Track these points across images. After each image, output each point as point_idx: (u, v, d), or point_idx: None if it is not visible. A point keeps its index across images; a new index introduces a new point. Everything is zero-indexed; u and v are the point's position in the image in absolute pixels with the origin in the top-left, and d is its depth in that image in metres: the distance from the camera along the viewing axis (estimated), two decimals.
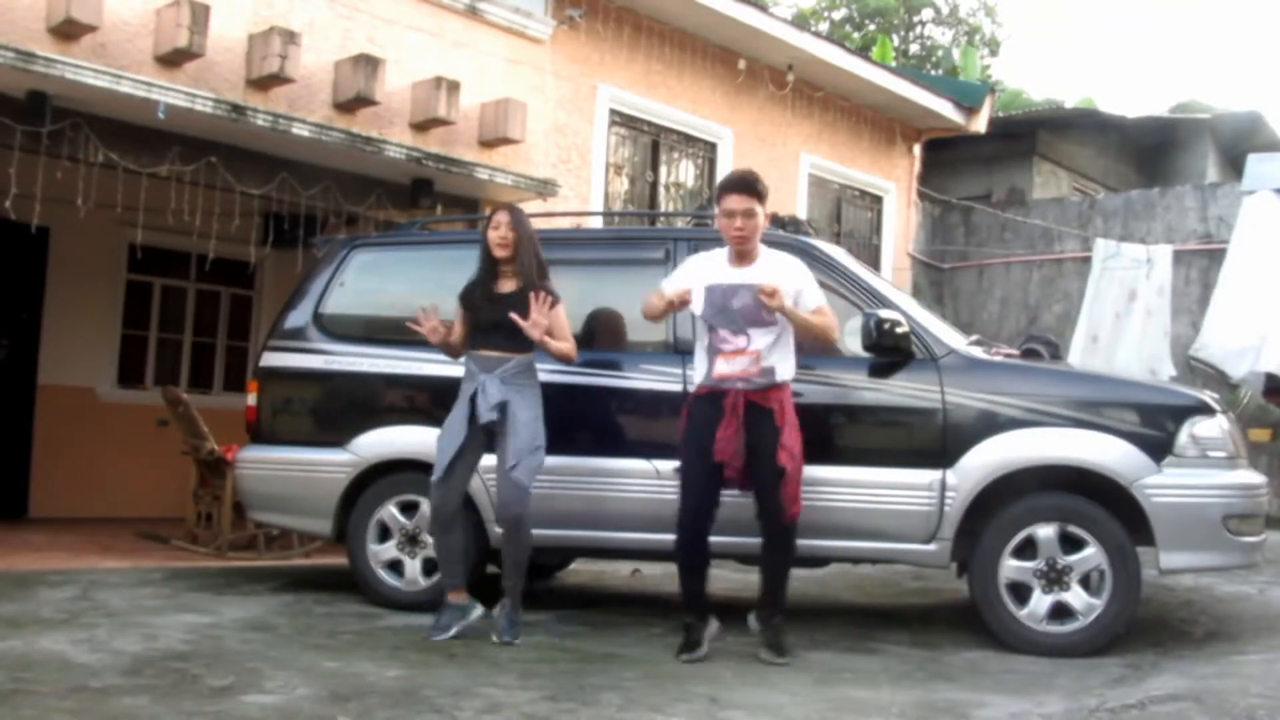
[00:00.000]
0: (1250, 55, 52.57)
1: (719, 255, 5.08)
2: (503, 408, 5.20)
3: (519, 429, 5.20)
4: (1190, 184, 13.87)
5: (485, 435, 5.31)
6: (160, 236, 8.44)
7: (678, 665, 4.81)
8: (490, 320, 5.31)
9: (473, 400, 5.25)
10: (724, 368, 4.88)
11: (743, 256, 4.98)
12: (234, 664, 4.55)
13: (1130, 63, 50.77)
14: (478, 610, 5.28)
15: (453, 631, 5.18)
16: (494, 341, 5.29)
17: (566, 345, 5.33)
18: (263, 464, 6.35)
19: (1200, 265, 12.08)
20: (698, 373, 5.05)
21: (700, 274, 5.03)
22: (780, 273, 4.95)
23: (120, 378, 10.37)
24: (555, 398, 5.82)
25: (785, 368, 4.97)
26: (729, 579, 7.34)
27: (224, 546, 7.82)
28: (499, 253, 5.33)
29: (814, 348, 5.61)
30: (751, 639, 5.21)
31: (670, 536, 5.41)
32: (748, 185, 4.93)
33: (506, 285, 5.35)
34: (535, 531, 5.70)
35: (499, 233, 5.33)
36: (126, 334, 10.43)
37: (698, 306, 4.99)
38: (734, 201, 4.91)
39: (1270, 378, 9.86)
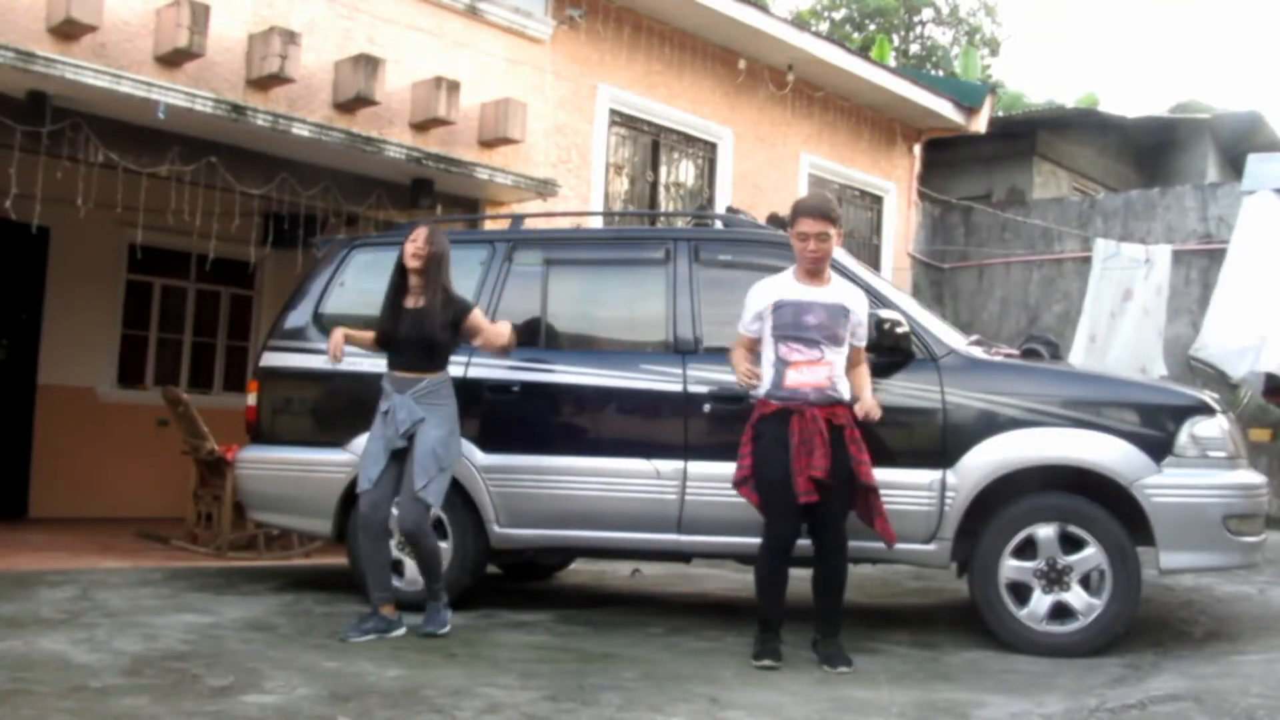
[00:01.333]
0: (1250, 55, 52.57)
1: (785, 275, 5.08)
2: (411, 430, 5.28)
3: (428, 448, 5.26)
4: (1190, 184, 13.87)
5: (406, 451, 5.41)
6: (160, 236, 8.45)
7: (678, 665, 4.81)
8: (396, 335, 5.41)
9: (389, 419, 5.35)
10: (797, 377, 4.87)
11: (814, 276, 5.01)
12: (234, 664, 4.55)
13: (1131, 63, 50.78)
14: (401, 630, 5.27)
15: (370, 637, 5.15)
16: (406, 361, 5.39)
17: (495, 334, 5.47)
18: (263, 464, 6.35)
19: (1200, 265, 12.08)
20: (764, 387, 4.98)
21: (765, 296, 5.03)
22: (850, 299, 5.04)
23: (120, 378, 10.37)
24: (556, 398, 5.86)
25: (845, 385, 4.99)
26: (729, 579, 7.35)
27: (224, 546, 7.82)
28: (411, 263, 5.42)
29: None
30: (752, 639, 5.21)
31: (670, 536, 5.42)
32: (823, 210, 4.99)
33: (411, 300, 5.43)
34: (537, 531, 5.75)
35: (415, 245, 5.42)
36: (126, 334, 10.43)
37: (766, 328, 4.99)
38: (809, 225, 4.95)
39: (1270, 378, 9.83)
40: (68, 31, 6.81)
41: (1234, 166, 16.71)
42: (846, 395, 4.95)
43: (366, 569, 5.38)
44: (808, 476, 4.75)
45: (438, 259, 5.42)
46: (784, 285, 5.03)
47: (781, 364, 4.90)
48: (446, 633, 5.24)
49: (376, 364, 5.78)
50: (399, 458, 5.33)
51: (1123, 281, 11.53)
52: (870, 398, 5.01)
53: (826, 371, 4.87)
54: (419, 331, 5.34)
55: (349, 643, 5.07)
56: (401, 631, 5.26)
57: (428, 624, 5.28)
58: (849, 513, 4.97)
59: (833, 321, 4.92)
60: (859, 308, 5.07)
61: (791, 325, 4.91)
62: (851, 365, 5.04)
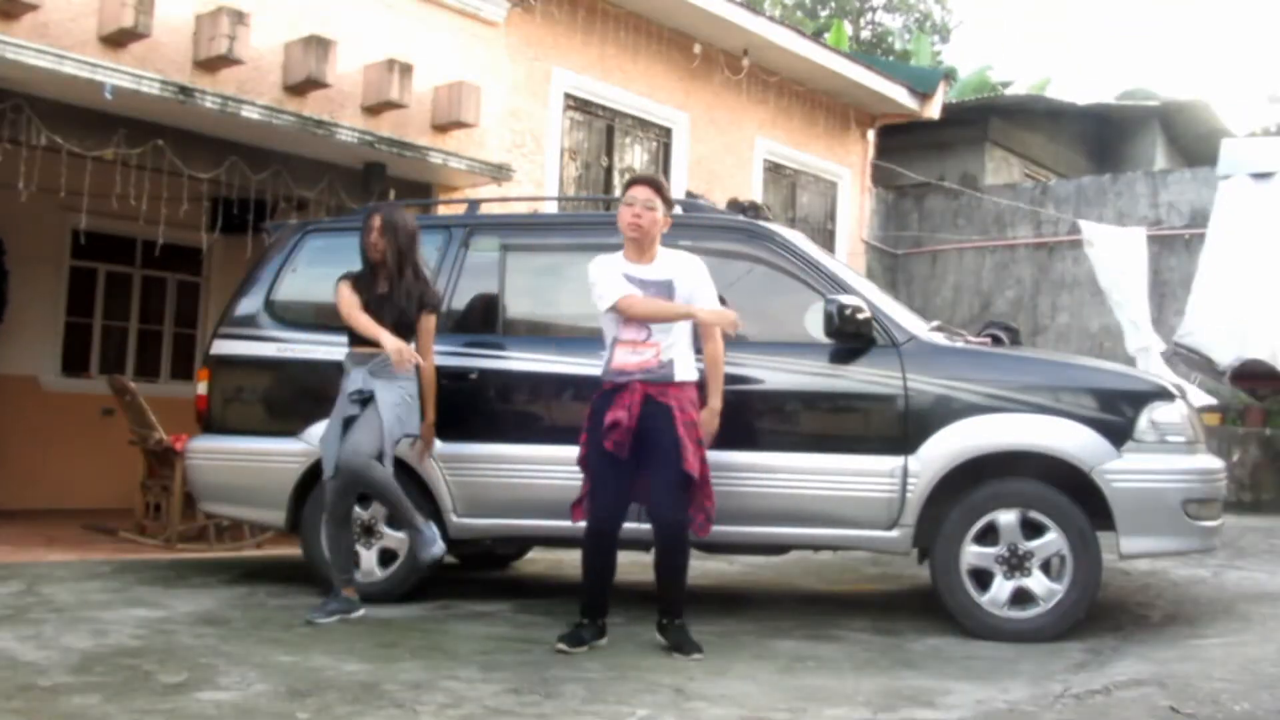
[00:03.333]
0: (1197, 43, 53.26)
1: (617, 256, 5.01)
2: (369, 398, 5.32)
3: (384, 412, 5.28)
4: (1141, 170, 13.99)
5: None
6: (105, 221, 8.26)
7: (640, 655, 4.75)
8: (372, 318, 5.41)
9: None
10: (624, 358, 4.82)
11: (640, 252, 4.92)
12: (187, 659, 4.44)
13: (1081, 50, 51.26)
14: (361, 611, 5.35)
15: (334, 619, 5.21)
16: (367, 338, 5.39)
17: (426, 365, 5.45)
18: (214, 454, 6.23)
19: (1150, 251, 12.17)
20: (604, 366, 4.94)
21: (614, 271, 4.98)
22: (677, 270, 4.91)
23: (64, 366, 10.17)
24: (514, 385, 5.79)
25: (684, 366, 4.86)
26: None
27: (174, 538, 7.68)
28: (372, 256, 5.44)
29: (774, 334, 5.60)
30: (714, 628, 5.17)
31: (630, 524, 5.32)
32: (653, 181, 4.98)
33: (381, 286, 5.45)
34: (496, 520, 5.69)
35: (370, 239, 5.43)
36: (70, 321, 10.23)
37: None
38: (635, 191, 4.90)
39: (1244, 364, 9.87)
40: (8, 10, 6.63)
41: (1182, 154, 16.90)
42: (681, 375, 4.83)
43: (330, 553, 5.42)
44: (612, 437, 4.71)
45: (396, 244, 5.41)
46: (619, 266, 4.96)
47: (614, 343, 4.88)
48: (443, 551, 5.39)
49: (330, 352, 5.70)
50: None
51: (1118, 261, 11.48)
52: (715, 406, 4.95)
53: (653, 353, 4.79)
54: (391, 318, 5.36)
55: (315, 624, 5.12)
56: (362, 612, 5.31)
57: (421, 551, 5.33)
58: (679, 497, 4.77)
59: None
60: (687, 276, 4.91)
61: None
62: (705, 340, 4.97)
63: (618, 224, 4.95)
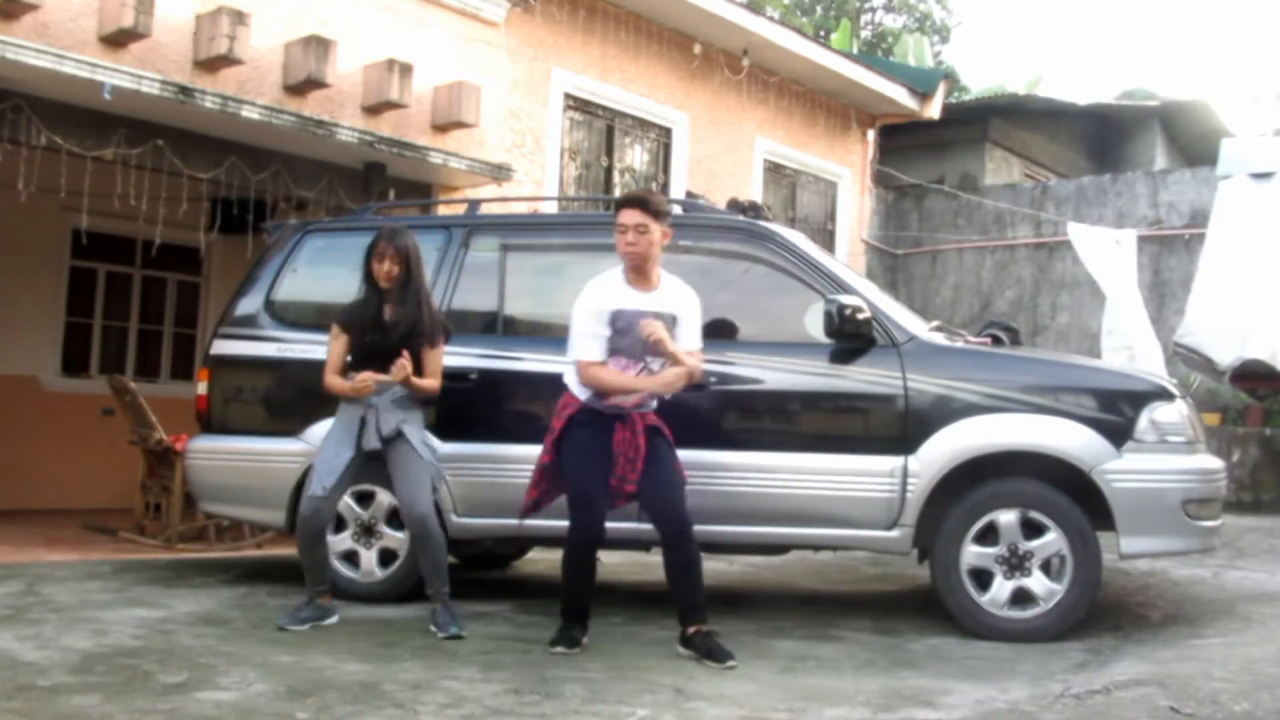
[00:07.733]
0: (1197, 42, 53.24)
1: (615, 277, 4.92)
2: (394, 433, 5.18)
3: (421, 452, 5.20)
4: (1141, 170, 13.99)
5: (367, 457, 5.25)
6: (105, 221, 8.25)
7: (640, 655, 4.75)
8: (377, 346, 5.25)
9: (362, 424, 5.21)
10: (622, 396, 4.83)
11: (639, 276, 4.86)
12: (187, 659, 4.44)
13: (1079, 49, 51.24)
14: (334, 618, 5.24)
15: (306, 626, 5.11)
16: (384, 367, 5.22)
17: (432, 383, 5.28)
18: (214, 454, 6.22)
19: (1150, 251, 12.20)
20: (581, 390, 4.88)
21: (602, 305, 4.86)
22: (674, 301, 4.89)
23: (64, 366, 10.17)
24: (515, 386, 5.79)
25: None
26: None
27: (174, 538, 7.68)
28: (385, 284, 5.26)
29: (774, 334, 5.60)
30: (714, 628, 5.16)
31: (630, 525, 5.32)
32: (641, 201, 4.85)
33: (390, 313, 5.29)
34: (496, 521, 5.67)
35: (384, 267, 5.24)
36: (70, 321, 10.23)
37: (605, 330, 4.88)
38: (625, 216, 4.81)
39: (1244, 364, 9.85)
40: (8, 10, 6.64)
41: (1182, 154, 16.90)
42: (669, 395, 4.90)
43: (303, 563, 5.30)
44: (625, 491, 4.74)
45: (407, 270, 5.24)
46: (616, 291, 4.86)
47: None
48: (466, 634, 5.02)
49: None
50: (354, 468, 5.24)
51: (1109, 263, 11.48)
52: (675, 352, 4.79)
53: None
54: (404, 344, 5.19)
55: (286, 630, 5.03)
56: (335, 620, 5.22)
57: (449, 626, 5.02)
58: (682, 494, 4.81)
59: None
60: (688, 312, 4.93)
61: (622, 339, 4.81)
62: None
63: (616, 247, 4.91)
